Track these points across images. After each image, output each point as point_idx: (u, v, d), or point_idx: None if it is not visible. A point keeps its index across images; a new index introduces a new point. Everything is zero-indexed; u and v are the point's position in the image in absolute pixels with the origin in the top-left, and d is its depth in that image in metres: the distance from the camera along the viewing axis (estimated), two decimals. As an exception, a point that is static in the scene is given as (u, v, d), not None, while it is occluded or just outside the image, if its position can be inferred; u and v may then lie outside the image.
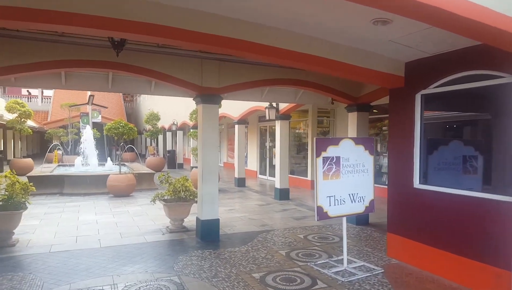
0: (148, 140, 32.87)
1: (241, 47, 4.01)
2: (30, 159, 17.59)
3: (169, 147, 26.46)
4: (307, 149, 13.45)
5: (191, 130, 15.99)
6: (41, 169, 13.52)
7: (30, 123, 24.92)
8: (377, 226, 7.32)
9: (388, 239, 5.25)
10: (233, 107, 14.03)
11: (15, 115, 16.82)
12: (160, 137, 27.71)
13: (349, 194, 4.34)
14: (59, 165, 16.30)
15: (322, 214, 4.11)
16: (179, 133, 23.14)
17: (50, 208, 9.22)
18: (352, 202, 4.35)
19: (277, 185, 10.86)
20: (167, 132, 27.07)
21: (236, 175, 13.90)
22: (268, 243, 6.23)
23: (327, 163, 4.12)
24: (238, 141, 13.87)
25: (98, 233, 6.84)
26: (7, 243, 5.71)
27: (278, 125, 10.79)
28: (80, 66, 5.54)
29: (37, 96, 37.29)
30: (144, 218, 8.22)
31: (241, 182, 13.85)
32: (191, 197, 7.11)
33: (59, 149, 23.32)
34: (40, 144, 40.26)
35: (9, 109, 16.52)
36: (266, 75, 6.79)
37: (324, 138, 4.23)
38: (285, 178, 10.83)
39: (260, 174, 17.15)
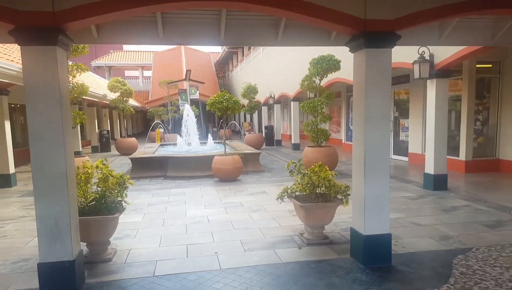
0: (242, 115, 31.89)
1: None
2: (134, 138, 17.55)
3: (265, 123, 24.82)
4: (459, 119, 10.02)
5: (301, 102, 13.70)
6: (144, 149, 12.83)
7: (132, 102, 25.72)
8: None
9: None
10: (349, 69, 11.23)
11: (117, 94, 16.72)
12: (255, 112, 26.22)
13: None
14: (161, 144, 15.76)
15: None
16: (277, 107, 21.10)
17: (154, 196, 7.98)
18: None
19: (429, 170, 7.94)
20: (262, 107, 25.41)
21: (358, 154, 11.23)
22: (489, 281, 3.64)
23: None
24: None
25: (213, 239, 5.07)
26: (101, 257, 4.24)
27: (432, 86, 7.72)
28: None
29: (138, 77, 39.27)
30: (264, 215, 6.28)
31: (363, 163, 11.16)
32: (334, 194, 4.85)
33: (160, 127, 23.52)
34: (143, 123, 42.98)
35: (111, 88, 16.43)
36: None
37: None
38: (442, 160, 7.84)
39: (379, 151, 14.11)
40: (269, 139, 20.59)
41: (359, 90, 4.01)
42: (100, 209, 4.20)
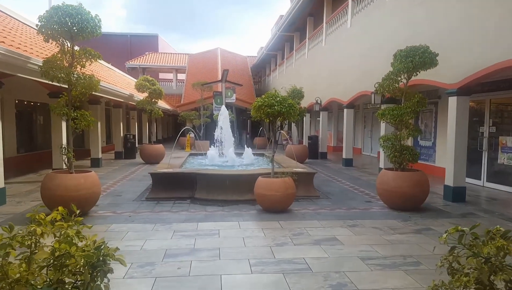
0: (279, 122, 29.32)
1: None
2: (161, 145, 15.45)
3: (307, 132, 22.12)
4: None
5: (380, 108, 10.92)
6: (170, 160, 10.59)
7: (163, 105, 23.95)
8: None
9: None
10: (444, 67, 8.37)
11: (145, 95, 14.76)
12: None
13: None
14: (191, 154, 13.53)
15: None
16: (323, 115, 18.39)
17: (175, 236, 5.58)
18: None
19: None
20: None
21: (450, 182, 8.32)
22: None
23: None
24: (455, 126, 8.15)
25: None
26: None
27: None
28: None
29: (171, 79, 37.87)
30: (355, 298, 3.65)
31: (457, 195, 8.24)
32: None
33: (191, 133, 21.50)
34: (174, 128, 41.56)
35: (139, 88, 14.48)
36: None
37: None
38: None
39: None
40: (313, 151, 17.90)
41: None
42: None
